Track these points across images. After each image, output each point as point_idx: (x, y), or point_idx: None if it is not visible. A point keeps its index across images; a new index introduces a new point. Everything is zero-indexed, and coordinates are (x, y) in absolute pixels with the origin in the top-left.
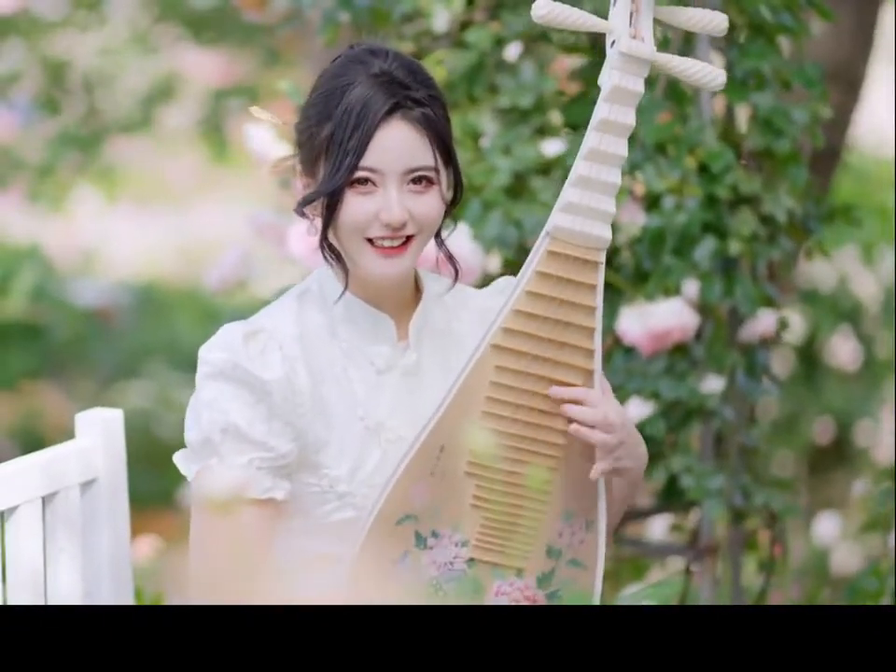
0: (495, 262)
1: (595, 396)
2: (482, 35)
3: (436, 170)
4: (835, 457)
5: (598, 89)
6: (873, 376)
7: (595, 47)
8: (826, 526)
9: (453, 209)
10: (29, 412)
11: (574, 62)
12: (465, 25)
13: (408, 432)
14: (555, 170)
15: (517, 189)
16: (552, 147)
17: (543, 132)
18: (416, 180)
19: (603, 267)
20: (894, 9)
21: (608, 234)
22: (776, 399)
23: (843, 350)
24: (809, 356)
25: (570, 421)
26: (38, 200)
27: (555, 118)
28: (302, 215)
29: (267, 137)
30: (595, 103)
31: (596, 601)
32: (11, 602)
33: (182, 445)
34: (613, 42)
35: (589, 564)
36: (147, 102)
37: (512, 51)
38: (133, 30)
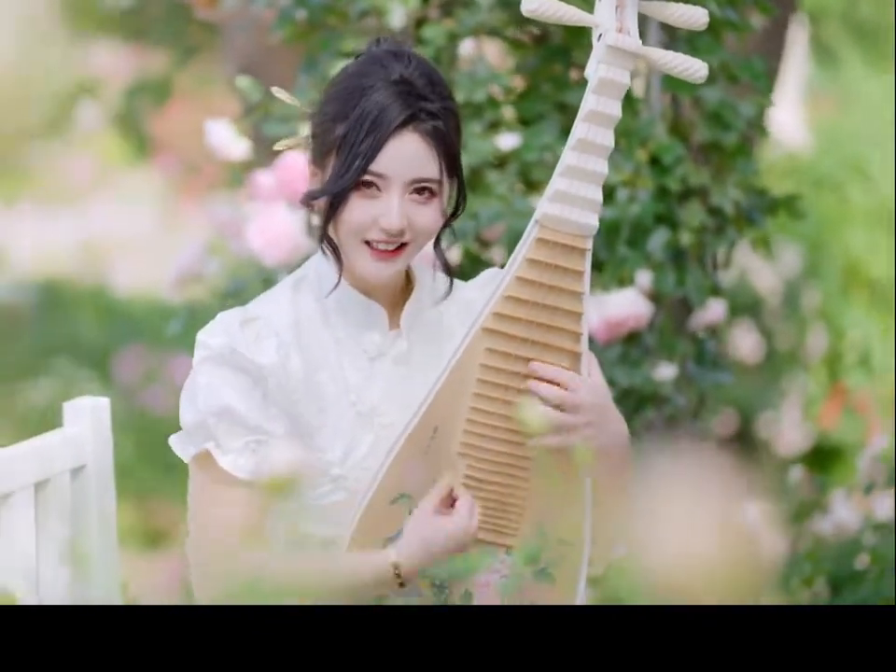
0: (453, 253)
1: (569, 377)
2: (437, 31)
3: (440, 182)
4: (739, 448)
5: (547, 84)
6: (774, 368)
7: (541, 44)
8: (750, 514)
9: (452, 220)
10: None
11: (520, 58)
12: (420, 22)
13: (399, 417)
14: (509, 163)
15: (473, 182)
16: (505, 142)
17: (497, 126)
18: (419, 190)
19: (590, 254)
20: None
21: (595, 222)
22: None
23: (744, 343)
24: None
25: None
26: None
27: (508, 113)
28: (308, 206)
29: (226, 133)
30: (544, 97)
31: (582, 580)
32: (4, 584)
33: None
34: (600, 36)
35: (575, 542)
36: (60, 102)
37: (467, 47)
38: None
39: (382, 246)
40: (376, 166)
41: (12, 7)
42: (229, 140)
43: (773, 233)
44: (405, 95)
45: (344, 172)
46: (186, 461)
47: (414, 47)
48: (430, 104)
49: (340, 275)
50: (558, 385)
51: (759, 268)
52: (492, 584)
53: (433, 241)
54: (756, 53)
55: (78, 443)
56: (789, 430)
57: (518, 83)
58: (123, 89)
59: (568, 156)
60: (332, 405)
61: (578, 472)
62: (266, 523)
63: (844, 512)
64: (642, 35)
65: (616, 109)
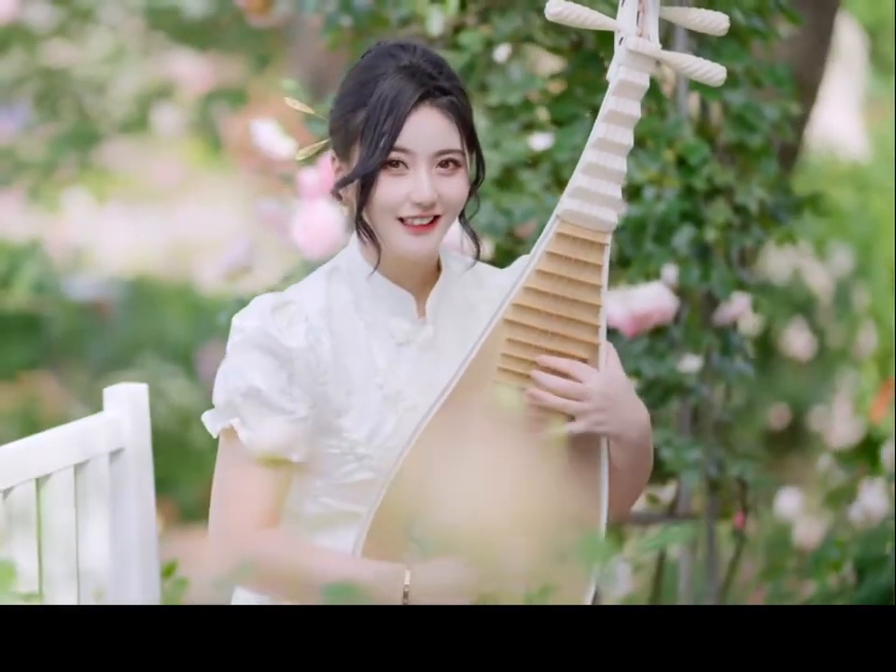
0: (486, 248)
1: (575, 368)
2: (473, 37)
3: (462, 153)
4: (791, 441)
5: (580, 88)
6: (825, 365)
7: (577, 50)
8: (789, 502)
9: (476, 188)
10: (26, 400)
11: (557, 63)
12: (458, 28)
13: (422, 401)
14: (542, 163)
15: (506, 180)
16: (539, 142)
17: (530, 127)
18: (444, 163)
19: (608, 248)
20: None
21: (613, 218)
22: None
23: (797, 340)
24: (766, 346)
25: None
26: (37, 199)
27: (542, 114)
28: (338, 197)
29: (272, 133)
30: (577, 101)
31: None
32: (45, 563)
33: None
34: (622, 40)
35: (592, 523)
36: (139, 106)
37: (502, 53)
38: (125, 37)
39: (417, 221)
40: (401, 142)
41: (104, 17)
42: (275, 139)
43: (825, 236)
44: (417, 76)
45: (372, 153)
46: (214, 436)
47: (450, 52)
48: (441, 81)
49: (378, 259)
50: (565, 375)
51: (811, 268)
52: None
53: (458, 218)
54: (799, 60)
55: (117, 427)
56: (839, 424)
57: (553, 87)
58: (201, 95)
59: (589, 154)
60: (360, 388)
61: (595, 458)
62: (284, 499)
63: (870, 499)
64: (669, 40)
65: (635, 110)
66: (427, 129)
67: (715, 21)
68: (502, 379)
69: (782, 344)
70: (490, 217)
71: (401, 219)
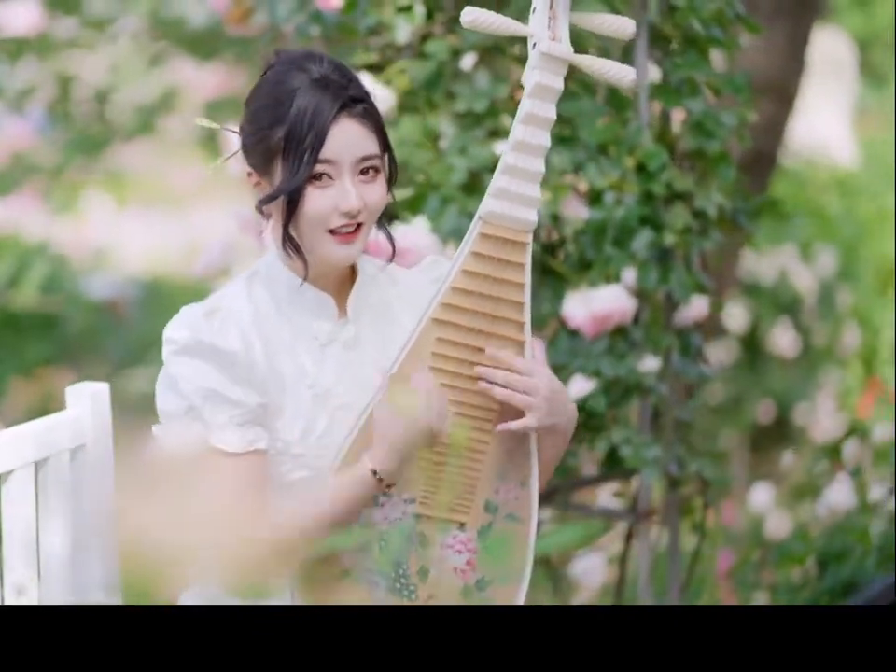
0: (451, 252)
1: (523, 363)
2: (440, 46)
3: (381, 157)
4: (776, 435)
5: None
6: (810, 363)
7: None
8: (760, 495)
9: (392, 185)
10: (45, 396)
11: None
12: (425, 37)
13: (352, 399)
14: None
15: (472, 185)
16: (504, 148)
17: (496, 134)
18: (364, 171)
19: (530, 247)
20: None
21: (534, 217)
22: (721, 384)
23: (783, 339)
24: (752, 344)
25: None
26: (52, 202)
27: (507, 121)
28: (261, 212)
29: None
30: None
31: (531, 554)
32: (6, 559)
33: None
34: (535, 44)
35: (524, 518)
36: (149, 113)
37: (468, 61)
38: (137, 47)
39: (344, 230)
40: (325, 154)
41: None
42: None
43: (811, 238)
44: (332, 88)
45: (297, 168)
46: (170, 447)
47: (417, 60)
48: (353, 91)
49: (305, 269)
50: (512, 370)
51: (797, 270)
52: (447, 559)
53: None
54: (776, 69)
55: (78, 425)
56: (823, 419)
57: (519, 94)
58: (205, 103)
59: (508, 156)
60: (291, 388)
61: (525, 450)
62: (264, 487)
63: (835, 495)
64: (630, 52)
65: (551, 112)
66: (347, 139)
67: (622, 27)
68: (434, 377)
69: (769, 343)
70: (456, 222)
71: (331, 231)
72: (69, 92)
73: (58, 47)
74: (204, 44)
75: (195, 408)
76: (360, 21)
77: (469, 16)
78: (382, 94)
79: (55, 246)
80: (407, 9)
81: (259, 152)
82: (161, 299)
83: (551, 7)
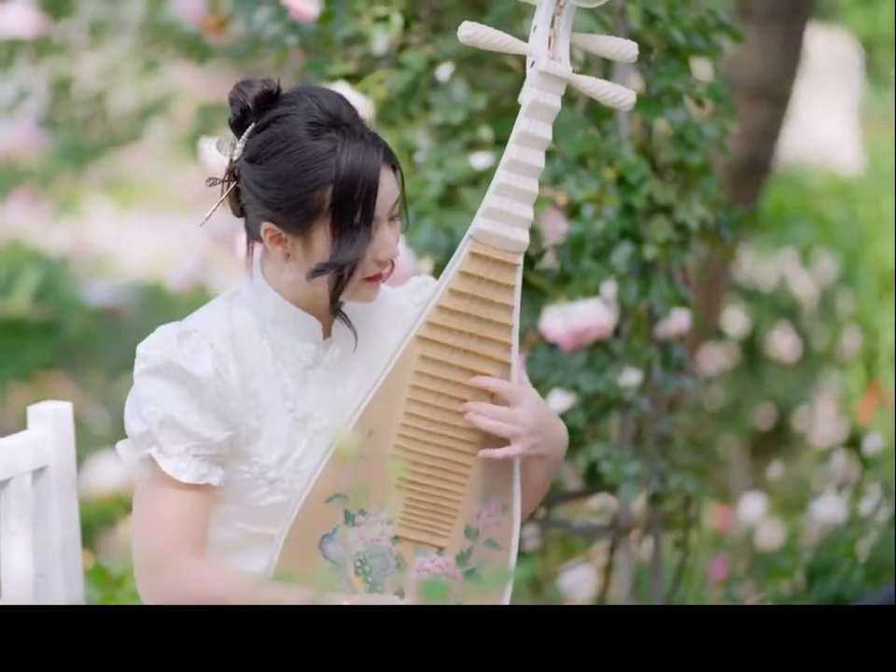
0: (426, 266)
1: (511, 389)
2: (417, 56)
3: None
4: (776, 441)
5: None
6: (810, 367)
7: (516, 70)
8: (751, 506)
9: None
10: (43, 400)
11: (505, 81)
12: (402, 47)
13: (331, 422)
14: (484, 181)
15: (448, 199)
16: (480, 161)
17: (473, 146)
18: (393, 217)
19: (521, 269)
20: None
21: (525, 238)
22: (721, 388)
23: (783, 343)
24: (752, 349)
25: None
26: (50, 206)
27: (484, 133)
28: (256, 239)
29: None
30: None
31: (510, 580)
32: None
33: None
34: (533, 63)
35: (504, 545)
36: (142, 116)
37: (444, 72)
38: (131, 51)
39: (377, 273)
40: (375, 212)
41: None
42: (217, 158)
43: (811, 243)
44: (369, 142)
45: (352, 233)
46: (131, 467)
47: (394, 71)
48: (379, 139)
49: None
50: (501, 399)
51: (797, 275)
52: (423, 584)
53: None
54: (770, 74)
55: (40, 445)
56: (823, 424)
57: (496, 106)
58: (197, 107)
59: (501, 175)
60: (270, 412)
61: (509, 474)
62: (207, 523)
63: (824, 508)
64: (610, 61)
65: (547, 132)
66: (386, 191)
67: (624, 49)
68: (415, 396)
69: (769, 347)
70: (431, 236)
71: (367, 278)
72: (64, 96)
73: (53, 50)
74: (199, 47)
75: (151, 434)
76: (337, 31)
77: (468, 31)
78: (360, 104)
79: (55, 251)
80: (384, 19)
81: (296, 216)
82: (160, 305)
83: (552, 25)
